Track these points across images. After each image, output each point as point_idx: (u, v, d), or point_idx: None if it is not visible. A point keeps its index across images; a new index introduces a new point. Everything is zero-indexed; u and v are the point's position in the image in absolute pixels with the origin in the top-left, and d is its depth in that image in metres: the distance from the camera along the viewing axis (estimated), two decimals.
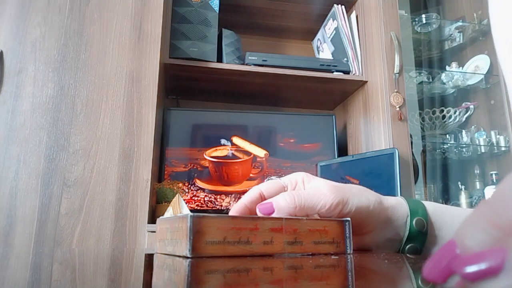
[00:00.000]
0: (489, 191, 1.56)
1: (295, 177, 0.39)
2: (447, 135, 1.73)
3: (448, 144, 1.73)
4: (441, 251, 0.13)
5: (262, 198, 0.38)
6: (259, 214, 0.33)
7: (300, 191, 0.36)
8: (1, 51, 1.12)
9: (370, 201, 0.36)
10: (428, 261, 0.14)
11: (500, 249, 0.12)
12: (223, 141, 1.49)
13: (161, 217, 0.35)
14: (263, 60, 1.45)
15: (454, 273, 0.13)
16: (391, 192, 1.26)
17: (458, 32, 1.84)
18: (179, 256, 0.27)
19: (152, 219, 1.12)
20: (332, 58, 1.61)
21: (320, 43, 1.74)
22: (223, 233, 0.26)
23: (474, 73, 1.74)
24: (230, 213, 0.37)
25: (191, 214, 0.26)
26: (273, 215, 0.32)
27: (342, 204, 0.34)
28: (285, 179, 0.39)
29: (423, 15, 1.81)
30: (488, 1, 0.44)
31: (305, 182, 0.39)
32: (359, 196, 0.35)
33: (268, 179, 0.40)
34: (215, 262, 0.24)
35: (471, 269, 0.12)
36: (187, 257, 0.25)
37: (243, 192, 1.46)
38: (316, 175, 1.49)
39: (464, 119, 1.74)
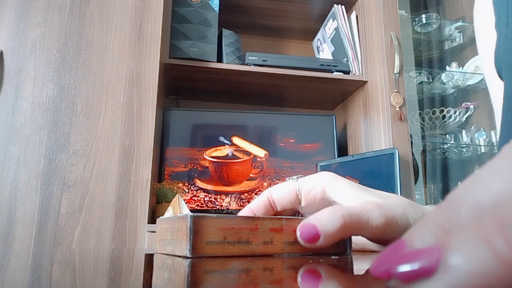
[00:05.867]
0: None
1: (315, 181, 0.33)
2: (447, 135, 1.73)
3: (448, 144, 1.73)
4: (390, 249, 0.13)
5: (272, 205, 0.34)
6: (300, 240, 0.27)
7: (347, 206, 0.29)
8: (1, 51, 1.12)
9: (414, 222, 0.30)
10: (377, 257, 0.13)
11: (436, 248, 0.11)
12: (221, 137, 1.49)
13: (161, 217, 0.35)
14: (263, 60, 1.45)
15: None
16: (391, 192, 1.26)
17: (458, 32, 1.84)
18: (179, 256, 0.27)
19: (152, 219, 1.12)
20: (332, 58, 1.61)
21: (320, 43, 1.74)
22: (223, 233, 0.26)
23: (474, 73, 1.74)
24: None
25: (191, 214, 0.26)
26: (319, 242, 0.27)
27: (390, 227, 0.29)
28: (303, 182, 0.33)
29: (423, 15, 1.81)
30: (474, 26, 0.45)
31: (327, 188, 0.32)
32: (405, 218, 0.30)
33: (289, 179, 0.34)
34: (215, 262, 0.24)
35: (404, 268, 0.11)
36: (187, 257, 0.25)
37: (243, 192, 1.47)
38: None
39: (464, 119, 1.74)
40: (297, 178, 0.34)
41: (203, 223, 0.26)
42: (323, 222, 0.27)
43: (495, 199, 0.11)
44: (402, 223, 0.29)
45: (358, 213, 0.28)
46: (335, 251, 0.29)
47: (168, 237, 0.30)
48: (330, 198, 0.33)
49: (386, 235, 0.29)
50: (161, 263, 0.28)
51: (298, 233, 0.28)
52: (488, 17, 0.42)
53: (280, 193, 0.34)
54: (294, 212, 0.36)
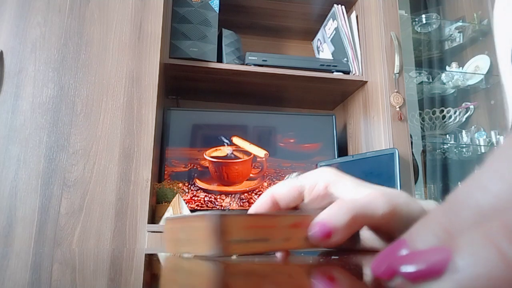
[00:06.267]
0: None
1: (317, 178, 0.33)
2: (447, 135, 1.73)
3: (448, 144, 1.73)
4: (390, 248, 0.13)
5: (275, 205, 0.34)
6: (314, 240, 0.27)
7: (351, 199, 0.29)
8: (1, 51, 1.12)
9: (414, 214, 0.30)
10: (377, 256, 0.13)
11: (444, 249, 0.11)
12: (221, 137, 1.49)
13: (169, 215, 0.35)
14: (263, 60, 1.45)
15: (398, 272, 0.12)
16: None
17: (458, 32, 1.84)
18: (201, 257, 0.27)
19: (152, 219, 1.12)
20: (332, 58, 1.61)
21: (320, 43, 1.74)
22: (245, 231, 0.26)
23: (474, 73, 1.74)
24: None
25: (215, 213, 0.26)
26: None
27: (396, 215, 0.29)
28: (305, 180, 0.34)
29: (423, 15, 1.81)
30: (493, 18, 0.46)
31: (331, 185, 0.33)
32: (408, 208, 0.30)
33: (288, 177, 0.35)
34: (239, 263, 0.24)
35: (411, 268, 0.11)
36: (211, 258, 0.25)
37: (243, 192, 1.47)
38: None
39: (464, 119, 1.74)
40: (297, 175, 0.34)
41: (227, 222, 0.26)
42: (332, 218, 0.27)
43: (495, 201, 0.11)
44: (405, 212, 0.30)
45: (362, 203, 0.28)
46: (347, 246, 0.29)
47: (183, 237, 0.30)
48: (333, 194, 0.33)
49: (392, 224, 0.29)
50: (172, 265, 0.28)
51: (310, 233, 0.28)
52: (507, 15, 0.42)
53: (283, 191, 0.34)
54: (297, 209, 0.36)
